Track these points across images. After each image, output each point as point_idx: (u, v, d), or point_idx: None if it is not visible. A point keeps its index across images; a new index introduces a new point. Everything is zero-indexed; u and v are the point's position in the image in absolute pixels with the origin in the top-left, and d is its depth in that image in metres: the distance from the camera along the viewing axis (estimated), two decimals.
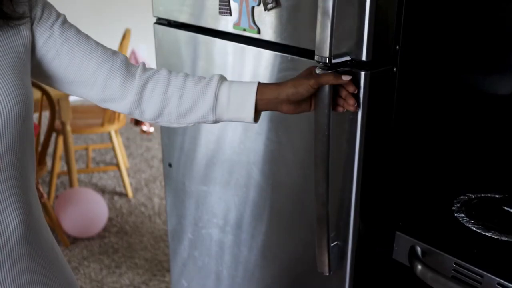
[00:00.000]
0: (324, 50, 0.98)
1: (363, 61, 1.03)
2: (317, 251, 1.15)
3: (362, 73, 1.03)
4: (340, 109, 1.06)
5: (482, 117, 1.31)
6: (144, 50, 4.62)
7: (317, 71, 1.01)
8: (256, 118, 1.05)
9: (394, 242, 1.14)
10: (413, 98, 1.14)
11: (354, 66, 1.04)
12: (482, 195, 1.19)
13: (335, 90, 1.04)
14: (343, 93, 1.04)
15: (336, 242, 1.18)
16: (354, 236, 1.15)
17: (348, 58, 1.05)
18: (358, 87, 1.04)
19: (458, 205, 1.15)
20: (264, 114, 1.25)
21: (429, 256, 1.07)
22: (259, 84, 1.03)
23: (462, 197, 1.18)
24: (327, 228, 1.11)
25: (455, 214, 1.12)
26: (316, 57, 1.00)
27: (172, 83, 1.05)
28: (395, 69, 1.07)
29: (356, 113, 1.07)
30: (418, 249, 1.08)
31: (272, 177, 1.33)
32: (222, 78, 1.05)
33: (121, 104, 1.05)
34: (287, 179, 1.29)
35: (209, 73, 1.41)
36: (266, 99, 1.03)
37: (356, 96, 1.05)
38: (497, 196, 1.19)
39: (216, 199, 1.51)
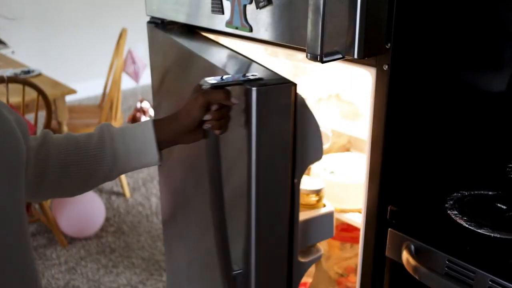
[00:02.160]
0: (316, 47, 0.98)
1: (355, 58, 1.03)
2: (222, 280, 1.09)
3: None
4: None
5: (475, 114, 1.31)
6: (141, 49, 4.61)
7: (202, 84, 0.96)
8: (161, 159, 0.96)
9: (387, 240, 1.14)
10: (405, 95, 1.14)
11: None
12: (475, 192, 1.19)
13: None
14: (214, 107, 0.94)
15: (240, 270, 1.11)
16: (257, 264, 1.08)
17: (339, 56, 1.05)
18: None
19: (451, 202, 1.15)
20: None
21: (422, 253, 1.07)
22: (154, 121, 0.95)
23: (455, 194, 1.18)
24: (228, 255, 1.06)
25: (448, 211, 1.12)
26: (307, 55, 1.00)
27: (63, 151, 0.92)
28: (386, 67, 1.07)
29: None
30: (411, 246, 1.08)
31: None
32: (109, 126, 0.96)
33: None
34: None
35: (203, 71, 1.41)
36: (166, 135, 0.95)
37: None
38: (490, 193, 1.18)
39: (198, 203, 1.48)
